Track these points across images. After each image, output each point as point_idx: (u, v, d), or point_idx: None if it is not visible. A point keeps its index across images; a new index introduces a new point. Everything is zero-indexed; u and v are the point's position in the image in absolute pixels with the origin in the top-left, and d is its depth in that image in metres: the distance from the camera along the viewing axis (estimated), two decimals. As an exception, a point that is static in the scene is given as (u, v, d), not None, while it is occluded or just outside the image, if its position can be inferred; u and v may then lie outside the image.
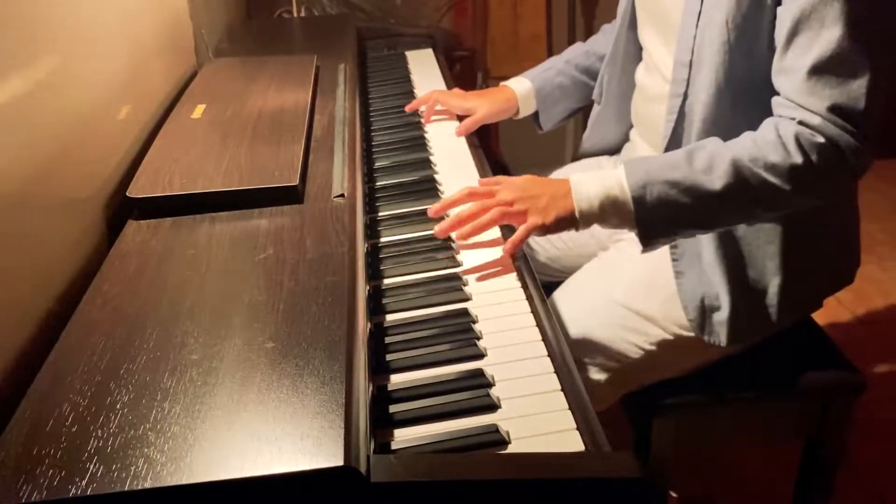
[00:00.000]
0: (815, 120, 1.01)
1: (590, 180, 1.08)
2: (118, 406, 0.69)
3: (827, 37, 0.99)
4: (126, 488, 0.61)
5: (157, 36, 1.42)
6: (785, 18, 1.03)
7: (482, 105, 1.51)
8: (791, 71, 1.03)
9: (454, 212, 1.11)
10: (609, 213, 1.07)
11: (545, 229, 1.07)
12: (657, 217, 1.06)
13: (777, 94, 1.07)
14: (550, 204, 1.07)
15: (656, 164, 1.07)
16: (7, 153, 0.85)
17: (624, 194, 1.06)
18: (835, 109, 1.00)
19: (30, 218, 0.89)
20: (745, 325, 1.19)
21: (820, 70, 1.00)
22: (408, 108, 1.57)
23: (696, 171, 1.04)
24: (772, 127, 1.05)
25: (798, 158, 1.02)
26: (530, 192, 1.09)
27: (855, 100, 1.00)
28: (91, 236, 1.04)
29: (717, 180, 1.03)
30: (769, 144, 1.03)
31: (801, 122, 1.02)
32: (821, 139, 1.01)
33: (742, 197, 1.05)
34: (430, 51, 2.02)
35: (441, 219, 1.12)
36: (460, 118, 1.53)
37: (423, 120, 1.54)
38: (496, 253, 1.09)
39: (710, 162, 1.04)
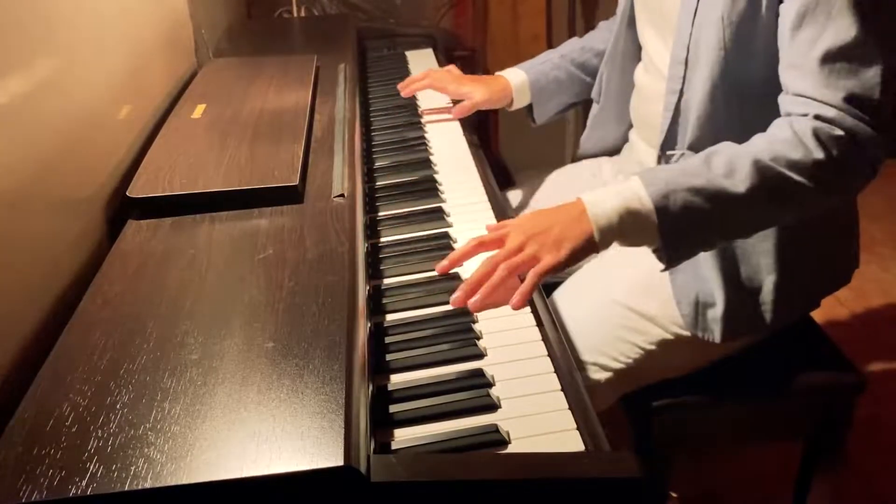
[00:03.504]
0: (831, 112, 0.99)
1: (605, 195, 1.01)
2: (118, 406, 0.69)
3: (835, 27, 0.98)
4: (126, 488, 0.61)
5: (157, 36, 1.42)
6: (789, 13, 1.01)
7: (478, 90, 1.51)
8: (800, 65, 1.01)
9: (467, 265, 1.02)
10: (629, 227, 1.00)
11: (561, 265, 0.97)
12: (681, 227, 0.99)
13: (783, 91, 1.05)
14: (562, 234, 0.98)
15: (674, 173, 1.01)
16: (7, 153, 0.85)
17: (645, 206, 0.99)
18: (851, 100, 0.98)
19: (30, 217, 0.89)
20: (739, 322, 1.18)
21: (832, 61, 0.98)
22: (400, 86, 1.57)
23: (717, 175, 0.99)
24: (786, 125, 1.02)
25: (819, 154, 0.99)
26: (538, 229, 0.99)
27: (870, 89, 0.98)
28: (91, 236, 1.04)
29: (740, 183, 0.99)
30: (787, 143, 1.00)
31: (816, 117, 1.00)
32: (839, 132, 0.99)
33: (767, 198, 1.01)
34: (430, 51, 2.03)
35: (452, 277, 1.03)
36: (456, 104, 1.54)
37: (425, 119, 1.54)
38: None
39: (731, 165, 1.00)
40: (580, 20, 2.61)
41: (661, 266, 1.04)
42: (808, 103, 1.01)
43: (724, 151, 1.03)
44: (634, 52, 1.37)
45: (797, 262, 1.17)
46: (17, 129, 0.88)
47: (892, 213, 2.68)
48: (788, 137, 1.00)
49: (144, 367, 0.73)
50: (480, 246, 1.01)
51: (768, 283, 1.17)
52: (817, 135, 0.99)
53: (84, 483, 0.61)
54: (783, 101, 1.05)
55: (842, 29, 0.97)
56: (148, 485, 0.61)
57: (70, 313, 0.83)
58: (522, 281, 0.97)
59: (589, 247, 0.99)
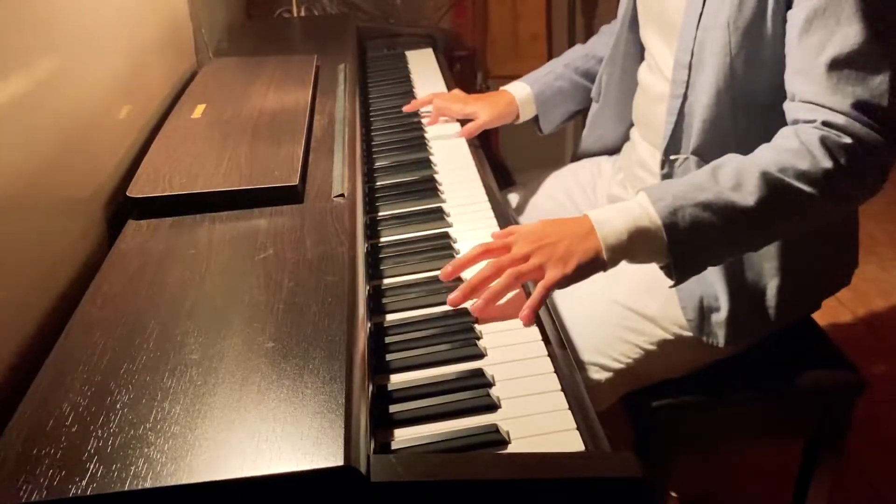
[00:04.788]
0: (840, 119, 0.98)
1: (613, 213, 1.00)
2: (118, 406, 0.69)
3: (844, 33, 0.97)
4: (126, 488, 0.61)
5: (157, 36, 1.42)
6: (797, 18, 1.01)
7: (484, 110, 1.50)
8: (808, 71, 1.00)
9: (468, 271, 1.00)
10: (638, 245, 0.99)
11: (567, 279, 0.97)
12: (690, 243, 0.99)
13: (789, 98, 1.04)
14: (570, 249, 0.98)
15: (682, 188, 1.00)
16: (7, 153, 0.85)
17: (654, 223, 0.98)
18: (859, 106, 0.98)
19: (30, 218, 0.89)
20: (743, 325, 1.18)
21: (839, 67, 0.98)
22: (406, 110, 1.57)
23: (724, 189, 0.99)
24: (792, 135, 1.01)
25: (828, 163, 0.98)
26: (546, 241, 0.99)
27: (879, 95, 0.97)
28: (91, 236, 1.04)
29: (748, 196, 0.98)
30: (794, 153, 0.99)
31: (824, 124, 0.99)
32: (847, 140, 0.98)
33: (777, 210, 0.99)
34: (430, 51, 2.02)
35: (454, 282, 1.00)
36: (462, 121, 1.53)
37: (425, 121, 1.54)
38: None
39: (738, 178, 0.99)
40: (580, 20, 2.61)
41: (670, 282, 1.03)
42: (816, 109, 1.00)
43: (731, 164, 1.01)
44: (636, 53, 1.37)
45: (800, 264, 1.17)
46: (17, 129, 0.88)
47: (892, 213, 2.68)
48: (795, 147, 0.99)
49: (144, 367, 0.73)
50: (486, 253, 0.99)
51: (772, 286, 1.17)
52: (825, 143, 0.98)
53: (84, 483, 0.61)
54: (790, 108, 1.04)
55: (850, 35, 0.97)
56: (148, 485, 0.61)
57: (70, 313, 0.83)
58: (528, 294, 0.96)
59: (597, 265, 0.99)
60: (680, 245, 0.98)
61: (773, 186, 0.98)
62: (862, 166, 1.00)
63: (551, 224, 1.02)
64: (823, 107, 0.99)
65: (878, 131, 0.99)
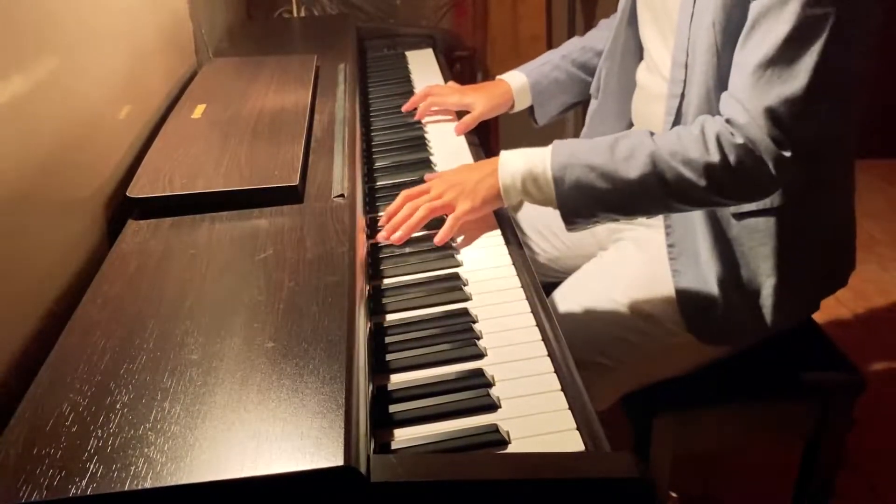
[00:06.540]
0: (743, 119, 1.02)
1: (517, 156, 1.12)
2: (118, 406, 0.69)
3: (776, 35, 0.99)
4: (126, 488, 0.61)
5: (157, 36, 1.42)
6: (750, 15, 1.03)
7: (480, 101, 1.51)
8: (740, 66, 1.04)
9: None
10: (531, 189, 1.10)
11: (475, 211, 1.11)
12: (574, 198, 1.08)
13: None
14: (478, 185, 1.11)
15: (581, 147, 1.09)
16: (7, 153, 0.85)
17: (545, 173, 1.08)
18: (769, 111, 1.01)
19: (30, 218, 0.89)
20: (740, 326, 1.19)
21: (765, 67, 1.01)
22: (405, 109, 1.57)
23: (616, 158, 1.06)
24: (699, 123, 1.06)
25: (715, 157, 1.03)
26: (458, 179, 1.13)
27: (791, 104, 1.00)
28: (91, 236, 1.04)
29: (633, 169, 1.05)
30: (692, 139, 1.05)
31: (727, 120, 1.03)
32: (740, 140, 1.02)
33: (656, 188, 1.06)
34: (430, 51, 2.02)
35: None
36: (458, 115, 1.53)
37: (423, 119, 1.54)
38: (496, 253, 1.09)
39: (632, 151, 1.06)
40: (580, 20, 2.62)
41: (667, 282, 1.06)
42: (731, 103, 1.04)
43: (632, 137, 1.09)
44: (635, 50, 1.37)
45: (797, 265, 1.17)
46: (17, 129, 0.88)
47: (892, 213, 2.68)
48: (695, 135, 1.05)
49: (144, 367, 0.73)
50: (408, 197, 1.13)
51: (768, 286, 1.17)
52: (719, 139, 1.03)
53: (84, 483, 0.61)
54: (721, 96, 1.08)
55: (780, 38, 0.99)
56: (148, 485, 0.61)
57: (70, 313, 0.83)
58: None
59: (498, 200, 1.12)
60: (564, 197, 1.08)
61: (658, 166, 1.05)
62: (748, 168, 1.03)
63: (466, 166, 1.18)
64: (737, 102, 1.03)
65: (776, 141, 1.01)
